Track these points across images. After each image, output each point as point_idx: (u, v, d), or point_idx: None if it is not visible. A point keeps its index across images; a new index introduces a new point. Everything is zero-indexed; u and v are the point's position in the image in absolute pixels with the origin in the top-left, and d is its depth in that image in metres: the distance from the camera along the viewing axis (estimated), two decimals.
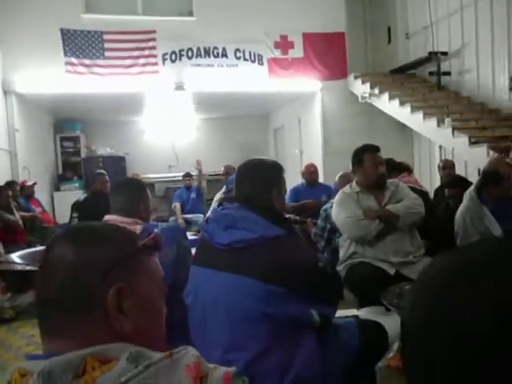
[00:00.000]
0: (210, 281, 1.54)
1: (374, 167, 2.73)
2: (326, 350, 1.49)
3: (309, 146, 7.87)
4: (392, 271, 2.58)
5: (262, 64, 6.94)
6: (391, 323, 1.90)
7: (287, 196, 5.44)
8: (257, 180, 1.62)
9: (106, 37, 6.35)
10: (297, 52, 7.06)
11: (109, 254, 0.69)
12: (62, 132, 8.58)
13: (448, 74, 6.61)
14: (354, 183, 2.86)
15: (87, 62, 6.29)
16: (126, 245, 0.72)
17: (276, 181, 1.66)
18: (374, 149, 2.79)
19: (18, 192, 5.64)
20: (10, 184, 5.44)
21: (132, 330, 0.68)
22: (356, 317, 2.04)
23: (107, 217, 2.02)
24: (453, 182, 3.44)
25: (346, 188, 2.88)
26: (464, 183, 3.28)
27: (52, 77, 6.22)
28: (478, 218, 2.74)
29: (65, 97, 6.69)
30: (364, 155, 2.77)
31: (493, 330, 0.51)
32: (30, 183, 6.06)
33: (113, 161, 8.62)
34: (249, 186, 1.62)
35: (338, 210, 2.79)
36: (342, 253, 2.81)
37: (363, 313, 2.24)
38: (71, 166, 8.53)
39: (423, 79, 7.13)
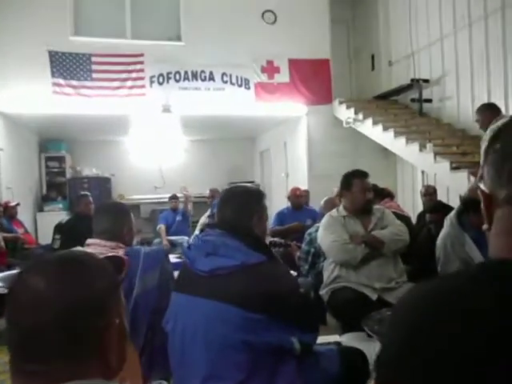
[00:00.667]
0: (190, 307, 1.54)
1: (362, 192, 2.79)
2: (307, 378, 1.49)
3: (294, 169, 7.94)
4: (374, 297, 2.60)
5: (248, 88, 7.05)
6: (372, 350, 1.91)
7: (272, 220, 5.49)
8: (238, 207, 1.65)
9: (94, 59, 6.40)
10: (283, 77, 7.19)
11: (104, 291, 0.71)
12: (47, 152, 8.52)
13: (429, 101, 6.78)
14: (341, 207, 2.90)
15: (75, 83, 6.32)
16: (113, 279, 0.75)
17: (256, 207, 1.68)
18: (363, 175, 2.86)
19: (0, 213, 5.56)
20: None
21: (115, 362, 0.70)
22: (338, 343, 2.05)
23: (90, 240, 2.01)
24: (434, 208, 3.50)
25: (333, 212, 2.92)
26: (445, 209, 3.34)
27: (38, 97, 6.22)
28: (458, 244, 2.78)
29: (51, 117, 6.69)
30: (353, 180, 2.83)
31: (468, 355, 0.54)
32: (12, 204, 5.98)
33: (98, 182, 8.57)
34: (230, 213, 1.64)
35: (325, 233, 2.81)
36: (325, 276, 2.82)
37: (345, 339, 2.24)
38: (56, 186, 8.45)
39: (405, 105, 7.30)
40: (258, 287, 1.47)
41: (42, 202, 8.19)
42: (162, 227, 6.99)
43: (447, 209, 3.51)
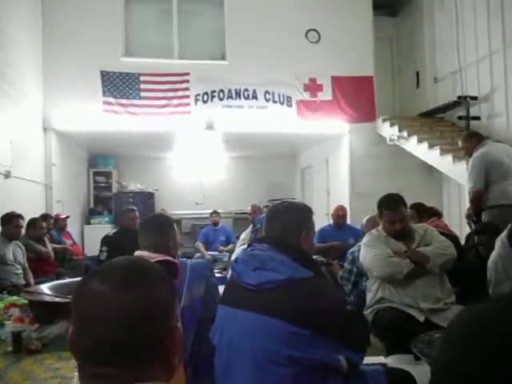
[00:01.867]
0: (236, 320, 1.55)
1: (391, 224, 2.71)
2: None
3: (336, 186, 7.88)
4: (422, 318, 2.52)
5: (290, 106, 7.10)
6: (421, 373, 1.85)
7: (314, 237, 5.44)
8: (286, 222, 1.65)
9: (142, 78, 6.66)
10: (325, 95, 7.20)
11: (165, 296, 0.74)
12: (95, 167, 8.88)
13: (477, 118, 6.58)
14: (380, 227, 2.85)
15: (124, 101, 6.59)
16: (171, 283, 0.78)
17: (305, 223, 1.68)
18: (392, 206, 2.73)
19: (51, 225, 5.82)
20: (45, 217, 5.62)
21: (177, 364, 0.74)
22: (384, 365, 1.99)
23: (138, 252, 2.06)
24: (483, 229, 3.37)
25: (374, 230, 2.87)
26: (494, 229, 3.21)
27: (89, 115, 6.53)
28: (510, 264, 2.67)
29: (100, 134, 6.99)
30: (382, 210, 2.76)
31: None
32: (63, 216, 6.25)
33: (142, 196, 8.82)
34: (278, 228, 1.65)
35: (366, 250, 2.76)
36: (369, 297, 2.76)
37: (391, 361, 2.18)
38: (102, 200, 8.77)
39: (452, 123, 7.12)
40: (304, 302, 1.47)
41: (89, 216, 8.50)
42: (199, 245, 7.06)
43: (495, 229, 3.37)
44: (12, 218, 4.47)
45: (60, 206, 6.75)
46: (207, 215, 7.75)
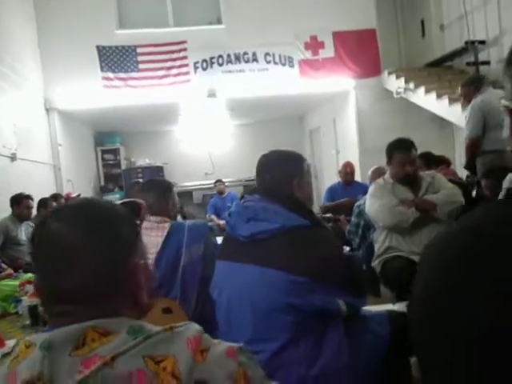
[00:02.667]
0: (234, 274, 1.53)
1: (401, 167, 2.64)
2: (355, 341, 1.44)
3: (345, 145, 7.76)
4: None
5: (292, 66, 6.93)
6: None
7: (323, 195, 5.40)
8: (277, 171, 1.61)
9: (139, 50, 6.54)
10: (328, 52, 6.99)
11: (127, 233, 0.72)
12: (102, 145, 8.89)
13: (487, 63, 6.33)
14: (387, 175, 2.79)
15: (122, 75, 6.50)
16: (134, 222, 0.76)
17: (297, 171, 1.63)
18: (403, 147, 2.67)
19: (63, 204, 5.88)
20: (56, 197, 5.66)
21: (146, 298, 0.72)
22: (391, 311, 1.97)
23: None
24: (489, 172, 3.27)
25: (380, 180, 2.81)
26: (500, 173, 3.11)
27: (90, 92, 6.47)
28: None
29: (103, 110, 6.94)
30: (393, 152, 2.69)
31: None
32: (74, 195, 6.29)
33: (151, 171, 8.83)
34: (269, 177, 1.60)
35: (373, 199, 2.71)
36: (376, 248, 2.73)
37: (399, 307, 2.16)
38: (112, 177, 8.81)
39: (461, 71, 6.87)
40: (299, 250, 1.44)
41: (101, 193, 8.57)
42: (212, 216, 7.04)
43: (503, 174, 3.24)
44: (21, 199, 4.51)
45: (70, 186, 6.80)
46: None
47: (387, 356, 1.50)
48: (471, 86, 4.17)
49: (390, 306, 2.28)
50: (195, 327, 0.67)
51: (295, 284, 1.42)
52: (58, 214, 0.71)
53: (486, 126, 3.90)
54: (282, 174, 1.60)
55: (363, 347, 1.46)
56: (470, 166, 3.98)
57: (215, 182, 7.46)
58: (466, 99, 4.20)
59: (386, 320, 1.56)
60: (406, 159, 2.62)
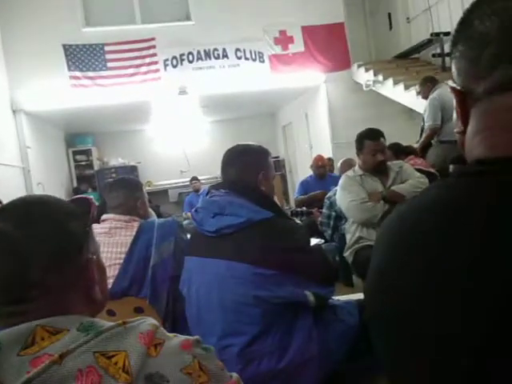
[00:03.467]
0: (201, 269, 1.53)
1: (372, 155, 2.69)
2: (324, 331, 1.46)
3: (318, 139, 7.82)
4: None
5: (263, 61, 6.93)
6: None
7: (296, 189, 5.43)
8: (242, 164, 1.61)
9: (107, 48, 6.43)
10: (297, 46, 7.02)
11: (76, 228, 0.71)
12: (74, 146, 8.72)
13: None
14: (356, 167, 2.83)
15: (91, 74, 6.39)
16: (84, 218, 0.75)
17: (262, 164, 1.63)
18: (374, 136, 2.73)
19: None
20: None
21: (99, 294, 0.72)
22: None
23: (104, 216, 2.04)
24: (457, 159, 3.36)
25: (350, 172, 2.86)
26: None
27: (58, 92, 6.33)
28: None
29: (73, 111, 6.81)
30: (364, 141, 2.74)
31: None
32: None
33: (125, 170, 8.72)
34: (234, 171, 1.60)
35: (342, 194, 2.76)
36: (348, 238, 2.77)
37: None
38: (85, 178, 8.67)
39: (427, 62, 7.01)
40: (266, 242, 1.45)
41: (74, 195, 8.41)
42: (188, 214, 7.00)
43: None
44: None
45: (41, 189, 6.65)
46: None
47: (357, 345, 1.53)
48: (427, 83, 4.63)
49: (361, 295, 2.33)
50: (149, 322, 0.66)
51: (262, 277, 1.43)
52: (1, 213, 0.70)
53: (442, 117, 4.26)
54: (246, 167, 1.60)
55: (333, 336, 1.48)
56: (422, 153, 4.34)
57: (191, 180, 7.43)
58: (424, 96, 4.68)
59: (355, 309, 1.59)
60: (376, 148, 2.67)
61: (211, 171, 8.75)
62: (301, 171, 8.43)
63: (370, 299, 0.61)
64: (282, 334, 1.42)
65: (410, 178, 2.74)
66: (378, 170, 2.73)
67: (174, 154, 9.12)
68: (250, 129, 9.25)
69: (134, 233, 1.94)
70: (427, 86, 4.59)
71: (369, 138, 2.72)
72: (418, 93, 4.84)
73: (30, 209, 0.69)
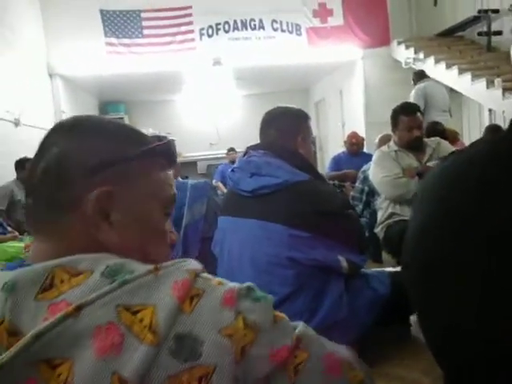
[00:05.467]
0: (235, 229, 1.53)
1: (408, 130, 2.61)
2: (355, 296, 1.44)
3: (351, 117, 7.67)
4: None
5: (300, 34, 6.78)
6: None
7: (328, 165, 5.36)
8: (281, 126, 1.58)
9: (143, 15, 6.41)
10: (336, 20, 6.83)
11: (103, 150, 0.57)
12: (106, 114, 8.80)
13: (499, 33, 6.17)
14: (391, 142, 2.76)
15: (126, 41, 6.39)
16: (127, 145, 0.60)
17: (301, 127, 1.61)
18: (410, 111, 2.64)
19: None
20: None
21: (119, 244, 0.57)
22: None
23: None
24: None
25: (384, 147, 2.78)
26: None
27: (94, 58, 6.38)
28: None
29: (107, 78, 6.86)
30: (399, 117, 2.65)
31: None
32: None
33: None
34: (273, 133, 1.58)
35: (376, 169, 2.69)
36: (379, 215, 2.72)
37: (398, 269, 2.16)
38: None
39: (472, 41, 6.71)
40: (302, 204, 1.43)
41: None
42: (218, 183, 6.99)
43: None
44: (26, 163, 4.50)
45: None
46: (222, 155, 7.68)
47: (387, 313, 1.51)
48: (418, 74, 5.34)
49: (391, 269, 2.29)
50: (188, 266, 0.54)
51: (297, 238, 1.41)
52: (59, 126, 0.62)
53: (426, 107, 4.85)
54: (286, 129, 1.58)
55: (363, 303, 1.46)
56: None
57: (228, 151, 7.36)
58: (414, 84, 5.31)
59: (387, 278, 1.56)
60: (412, 123, 2.59)
61: (240, 145, 8.72)
62: (331, 149, 8.31)
63: (411, 247, 0.60)
64: (312, 296, 1.41)
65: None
66: (413, 146, 2.65)
67: (204, 126, 9.13)
68: (282, 103, 9.10)
69: None
70: (417, 76, 5.35)
71: (404, 113, 2.63)
72: (412, 80, 5.48)
73: (78, 124, 0.61)
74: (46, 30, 6.38)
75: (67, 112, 6.80)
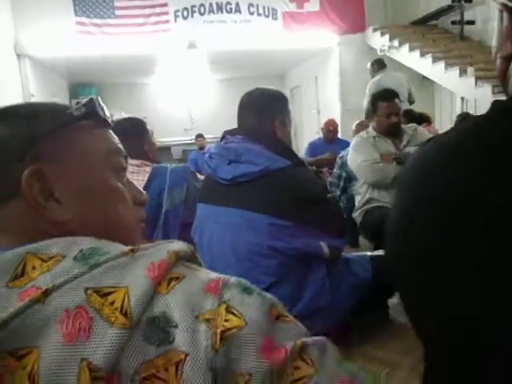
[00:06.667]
0: (215, 217, 1.50)
1: (387, 116, 2.63)
2: (336, 281, 1.45)
3: (326, 104, 7.69)
4: None
5: (276, 19, 6.72)
6: None
7: (304, 150, 5.38)
8: (259, 109, 1.54)
9: None
10: (313, 5, 6.80)
11: (25, 129, 0.54)
12: (77, 97, 8.53)
13: (472, 22, 6.28)
14: (370, 128, 2.78)
15: (98, 21, 6.19)
16: (50, 116, 0.56)
17: (280, 110, 1.57)
18: (389, 97, 2.67)
19: None
20: None
21: (77, 220, 0.53)
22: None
23: None
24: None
25: (363, 133, 2.80)
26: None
27: (64, 38, 6.15)
28: None
29: (77, 59, 6.64)
30: (378, 103, 2.68)
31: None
32: None
33: None
34: (251, 117, 1.54)
35: (354, 154, 2.71)
36: (357, 200, 2.74)
37: (378, 253, 2.20)
38: None
39: (445, 30, 6.81)
40: (283, 192, 1.41)
41: None
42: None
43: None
44: None
45: None
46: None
47: (366, 297, 1.53)
48: (374, 65, 5.14)
49: (367, 253, 2.32)
50: (170, 247, 0.49)
51: (278, 227, 1.40)
52: None
53: None
54: (264, 112, 1.54)
55: (344, 288, 1.47)
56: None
57: (196, 137, 7.33)
58: (371, 75, 5.21)
59: (367, 262, 1.58)
60: (391, 109, 2.61)
61: (215, 130, 8.63)
62: (306, 136, 8.34)
63: (396, 235, 0.58)
64: (295, 284, 1.41)
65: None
66: (391, 132, 2.68)
67: (178, 111, 8.99)
68: None
69: (146, 177, 1.91)
70: (372, 68, 5.13)
71: (383, 100, 2.66)
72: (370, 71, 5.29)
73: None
74: (14, 6, 6.10)
75: (36, 95, 6.56)
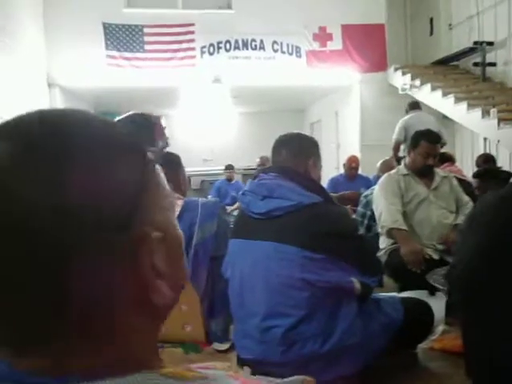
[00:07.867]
0: (247, 251, 1.52)
1: (424, 157, 2.65)
2: (368, 320, 1.45)
3: (346, 139, 7.76)
4: (437, 256, 2.49)
5: (299, 56, 6.89)
6: (436, 305, 1.83)
7: (325, 186, 5.39)
8: (293, 149, 1.60)
9: (146, 30, 6.46)
10: (335, 44, 6.96)
11: (124, 182, 0.36)
12: None
13: (493, 64, 6.35)
14: (402, 166, 2.79)
15: (128, 55, 6.43)
16: (137, 161, 0.38)
17: (312, 151, 1.63)
18: (432, 139, 2.70)
19: None
20: None
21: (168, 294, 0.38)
22: None
23: None
24: (480, 174, 3.30)
25: (393, 171, 2.81)
26: (491, 175, 3.18)
27: (94, 70, 6.39)
28: None
29: (106, 89, 6.87)
30: (420, 141, 2.70)
31: None
32: None
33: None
34: (285, 155, 1.59)
35: (379, 194, 2.71)
36: (382, 239, 2.73)
37: (405, 295, 2.17)
38: None
39: (466, 71, 6.88)
40: (315, 226, 1.44)
41: None
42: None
43: (494, 176, 3.22)
44: None
45: None
46: (216, 171, 7.65)
47: (397, 339, 1.51)
48: (410, 105, 5.35)
49: (395, 294, 2.29)
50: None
51: (310, 260, 1.42)
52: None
53: (406, 138, 4.74)
54: (299, 151, 1.60)
55: (376, 327, 1.46)
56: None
57: (226, 168, 7.23)
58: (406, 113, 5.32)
59: (399, 304, 1.57)
60: (430, 151, 2.64)
61: (234, 162, 8.74)
62: (325, 170, 8.31)
63: (472, 276, 0.60)
64: (327, 318, 1.41)
65: (458, 196, 2.70)
66: (424, 172, 2.69)
67: (198, 142, 9.14)
68: (278, 123, 9.14)
69: (178, 210, 1.94)
70: (407, 108, 5.35)
71: (426, 140, 2.68)
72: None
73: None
74: (47, 39, 6.39)
75: None
